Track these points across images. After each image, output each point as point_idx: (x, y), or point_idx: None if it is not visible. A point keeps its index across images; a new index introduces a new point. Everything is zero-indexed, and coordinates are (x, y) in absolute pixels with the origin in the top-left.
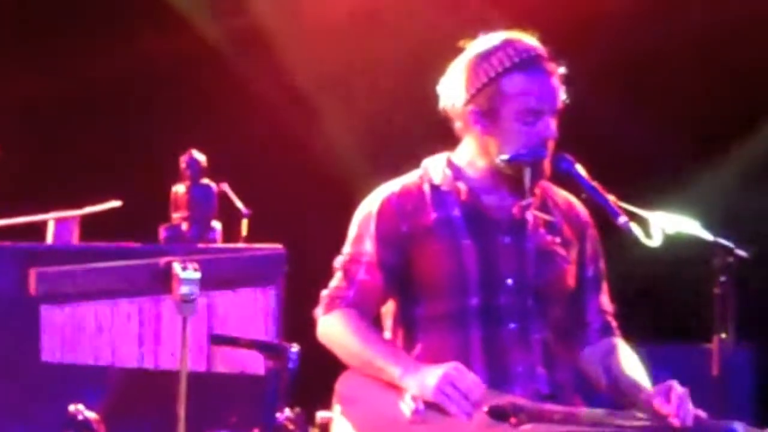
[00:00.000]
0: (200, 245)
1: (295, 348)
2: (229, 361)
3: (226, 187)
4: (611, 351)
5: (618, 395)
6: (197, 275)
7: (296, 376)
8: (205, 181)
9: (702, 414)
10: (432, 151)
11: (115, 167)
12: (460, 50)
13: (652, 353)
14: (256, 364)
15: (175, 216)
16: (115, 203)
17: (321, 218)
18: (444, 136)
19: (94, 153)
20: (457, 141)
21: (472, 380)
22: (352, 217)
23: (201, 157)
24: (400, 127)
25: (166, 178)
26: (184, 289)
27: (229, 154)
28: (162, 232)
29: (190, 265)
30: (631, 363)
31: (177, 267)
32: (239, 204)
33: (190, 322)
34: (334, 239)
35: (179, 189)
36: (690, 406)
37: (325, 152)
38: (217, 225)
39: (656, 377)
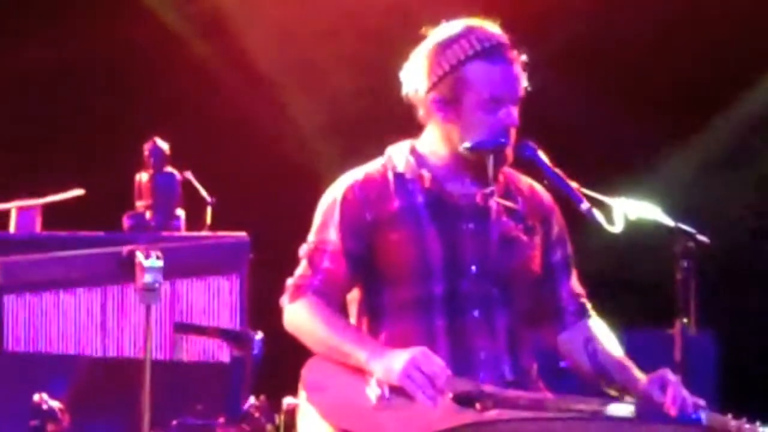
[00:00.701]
0: (164, 233)
1: (259, 336)
2: (194, 349)
3: (189, 175)
4: (592, 335)
5: (605, 380)
6: (160, 263)
7: (262, 363)
8: (169, 169)
9: (701, 402)
10: (396, 137)
11: (78, 155)
12: (422, 37)
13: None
14: (220, 351)
15: (139, 204)
16: (78, 192)
17: (286, 206)
18: (408, 123)
19: (57, 141)
20: (421, 128)
21: (437, 365)
22: (316, 205)
23: (164, 145)
24: (364, 113)
25: (130, 167)
26: (148, 278)
27: (193, 141)
28: (126, 221)
29: (153, 254)
30: (613, 346)
31: (140, 255)
32: (203, 192)
33: (154, 310)
34: (300, 227)
35: (142, 177)
36: (686, 394)
37: (290, 139)
38: (181, 213)
39: None
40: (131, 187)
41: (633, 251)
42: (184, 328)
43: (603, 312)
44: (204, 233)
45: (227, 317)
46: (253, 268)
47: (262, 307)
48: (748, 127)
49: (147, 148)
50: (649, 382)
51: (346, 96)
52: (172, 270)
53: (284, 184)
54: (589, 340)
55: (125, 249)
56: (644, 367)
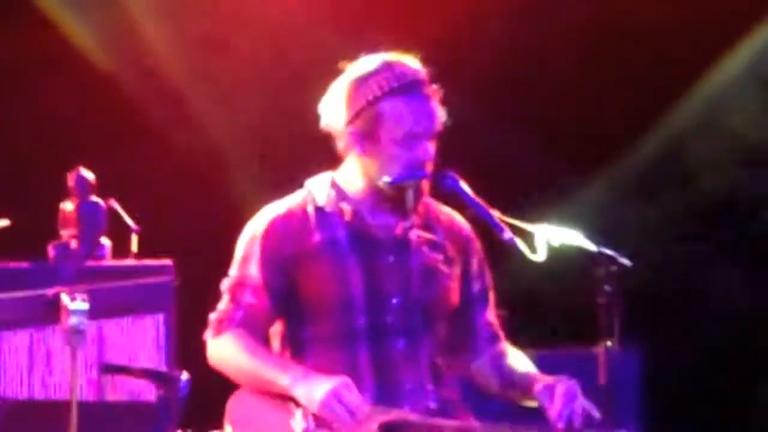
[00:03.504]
0: (90, 263)
1: (184, 376)
2: (121, 389)
3: (114, 203)
4: (500, 354)
5: (512, 392)
6: (85, 306)
7: (189, 396)
8: (94, 198)
9: (595, 412)
10: (317, 168)
11: (2, 186)
12: (341, 70)
13: (542, 360)
14: (147, 391)
15: (64, 233)
16: (4, 222)
17: (210, 232)
18: (328, 155)
19: None
20: (340, 159)
21: (357, 397)
22: (238, 235)
23: (89, 175)
24: (285, 144)
25: (55, 196)
26: (73, 320)
27: (118, 170)
28: (51, 250)
29: (78, 296)
30: (520, 360)
31: (65, 298)
32: (128, 220)
33: (79, 351)
34: (224, 253)
35: (67, 206)
36: (579, 402)
37: (212, 165)
38: (106, 242)
39: None
40: (57, 217)
41: (559, 273)
42: (110, 369)
43: (528, 331)
44: (129, 262)
45: (154, 355)
46: (179, 294)
47: (190, 327)
48: (661, 155)
49: (71, 177)
50: (539, 392)
51: (265, 121)
52: (98, 311)
53: (208, 211)
54: (497, 356)
55: (50, 291)
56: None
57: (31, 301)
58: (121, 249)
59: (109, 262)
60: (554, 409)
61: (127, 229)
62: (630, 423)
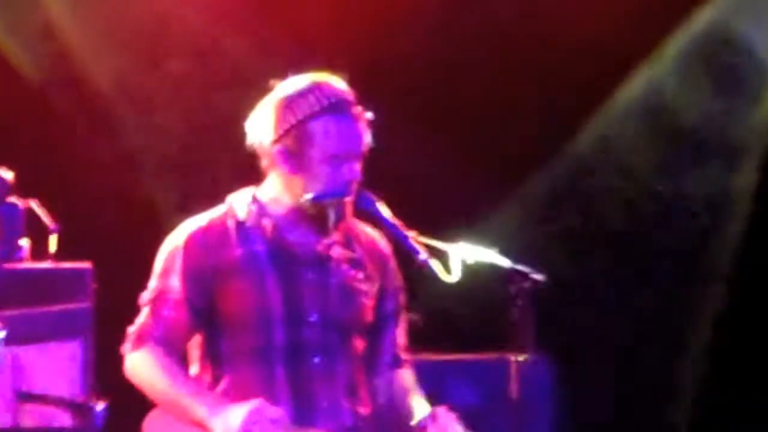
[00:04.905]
0: (7, 265)
1: (100, 406)
2: (37, 416)
3: (33, 204)
4: (394, 384)
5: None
6: (2, 333)
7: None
8: (12, 199)
9: None
10: (238, 183)
11: None
12: (269, 88)
13: (456, 366)
14: (63, 416)
15: None
16: None
17: (127, 235)
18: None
19: None
20: (262, 176)
21: (275, 414)
22: (158, 242)
23: (7, 175)
24: (207, 162)
25: None
26: None
27: (37, 170)
28: None
29: None
30: (409, 392)
31: None
32: (47, 220)
33: None
34: (142, 259)
35: None
36: (458, 429)
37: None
38: (24, 243)
39: (460, 391)
40: None
41: (475, 287)
42: (27, 398)
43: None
44: (47, 264)
45: (70, 381)
46: (98, 298)
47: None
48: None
49: None
50: (422, 420)
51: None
52: (15, 338)
53: (125, 214)
54: (390, 386)
55: None
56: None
57: None
58: (39, 250)
59: (27, 264)
60: None
61: (46, 230)
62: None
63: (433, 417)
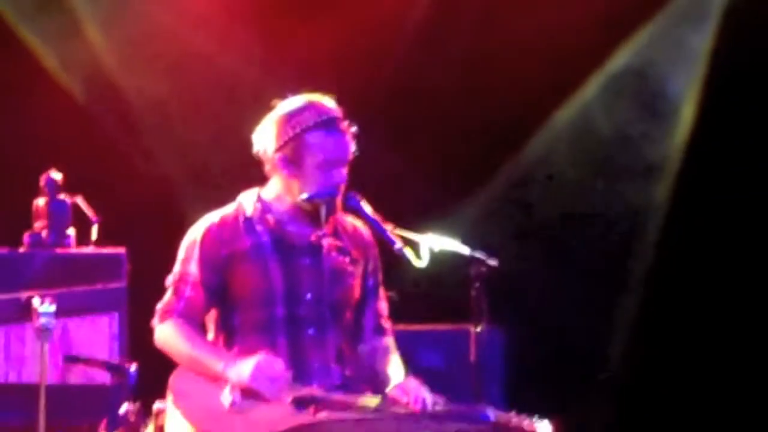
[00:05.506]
0: (57, 250)
1: (133, 367)
2: (81, 375)
3: (78, 200)
4: (377, 351)
5: (375, 381)
6: (53, 308)
7: (135, 384)
8: (61, 196)
9: (439, 399)
10: (247, 185)
11: None
12: (272, 106)
13: (425, 335)
14: (103, 375)
15: (37, 225)
16: None
17: (157, 231)
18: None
19: None
20: (266, 179)
21: (278, 367)
22: (182, 239)
23: (57, 176)
24: (221, 167)
25: (29, 192)
26: (42, 320)
27: (82, 173)
28: (26, 239)
29: (47, 300)
30: (390, 360)
31: (36, 302)
32: (90, 213)
33: (47, 345)
34: (168, 248)
35: (39, 202)
36: (425, 395)
37: (159, 177)
38: (71, 232)
39: (428, 356)
40: (31, 211)
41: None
42: (73, 360)
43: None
44: (89, 249)
45: (108, 347)
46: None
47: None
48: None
49: (43, 178)
50: (394, 388)
51: (199, 142)
52: (63, 311)
53: (154, 209)
54: (376, 350)
55: (24, 296)
56: (448, 357)
57: (7, 303)
58: (83, 237)
59: (73, 249)
60: (410, 398)
61: (89, 222)
62: (495, 391)
63: (404, 387)
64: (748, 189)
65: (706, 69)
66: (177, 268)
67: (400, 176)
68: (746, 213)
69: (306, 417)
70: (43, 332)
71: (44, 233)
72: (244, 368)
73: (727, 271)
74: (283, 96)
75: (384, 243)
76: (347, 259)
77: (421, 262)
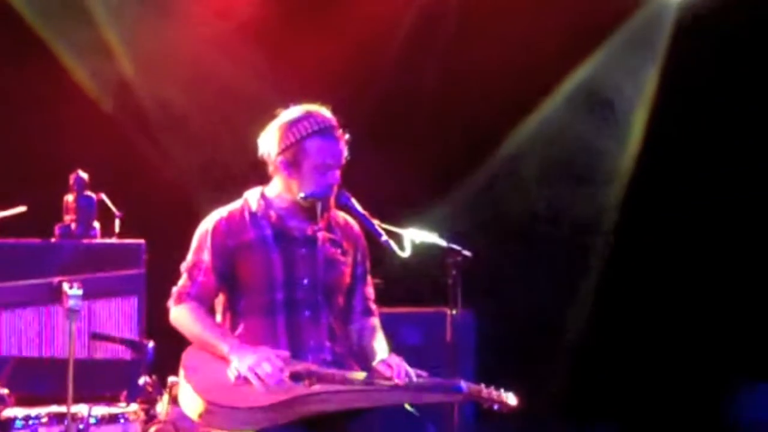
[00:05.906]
0: (85, 241)
1: (151, 344)
2: (105, 351)
3: (103, 196)
4: (367, 329)
5: (362, 357)
6: (80, 292)
7: (152, 360)
8: (88, 192)
9: (422, 373)
10: (251, 183)
11: (22, 182)
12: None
13: (407, 316)
14: (124, 351)
15: (67, 218)
16: (22, 208)
17: (173, 223)
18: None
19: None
20: (269, 178)
21: (275, 362)
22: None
23: (84, 175)
24: (229, 168)
25: (60, 189)
26: (71, 302)
27: (106, 172)
28: (57, 230)
29: (75, 284)
30: (376, 338)
31: (65, 286)
32: (113, 208)
33: (75, 324)
34: (182, 238)
35: (69, 198)
36: (406, 369)
37: (174, 176)
38: (96, 225)
39: (409, 335)
40: (61, 206)
41: (421, 260)
42: (98, 337)
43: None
44: (113, 240)
45: (129, 326)
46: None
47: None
48: (484, 185)
49: (72, 177)
50: (379, 363)
51: (211, 145)
52: (89, 294)
53: (170, 204)
54: (364, 329)
55: (55, 280)
56: (427, 336)
57: (40, 287)
58: (107, 230)
59: (98, 240)
60: (394, 372)
61: (112, 216)
62: (468, 366)
63: (388, 362)
64: (693, 191)
65: (654, 85)
66: (190, 256)
67: (386, 177)
68: (689, 212)
69: (302, 389)
70: (72, 313)
71: (73, 226)
72: (246, 358)
73: (669, 264)
74: (285, 106)
75: (371, 235)
76: (339, 250)
77: (403, 253)
